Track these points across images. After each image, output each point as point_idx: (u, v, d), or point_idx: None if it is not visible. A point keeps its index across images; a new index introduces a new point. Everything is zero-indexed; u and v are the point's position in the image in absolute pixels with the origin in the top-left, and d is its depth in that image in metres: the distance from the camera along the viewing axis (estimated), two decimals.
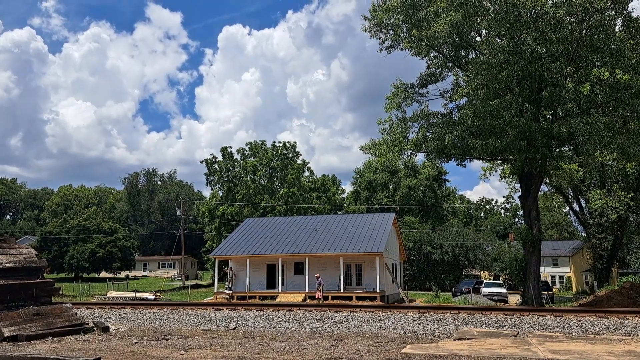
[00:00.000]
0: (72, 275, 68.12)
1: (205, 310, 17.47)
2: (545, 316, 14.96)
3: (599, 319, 14.26)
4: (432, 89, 30.56)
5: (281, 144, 71.85)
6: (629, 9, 23.64)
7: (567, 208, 54.15)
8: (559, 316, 15.04)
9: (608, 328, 12.63)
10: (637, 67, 22.76)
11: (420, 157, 52.15)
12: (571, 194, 46.46)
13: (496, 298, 37.54)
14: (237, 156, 72.18)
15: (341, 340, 11.02)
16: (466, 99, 27.28)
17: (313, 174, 77.91)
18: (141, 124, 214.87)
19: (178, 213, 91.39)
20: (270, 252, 35.63)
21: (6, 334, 10.92)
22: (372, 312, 16.33)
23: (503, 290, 40.84)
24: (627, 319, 14.22)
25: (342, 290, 33.13)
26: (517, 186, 34.25)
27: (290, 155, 72.26)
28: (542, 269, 33.81)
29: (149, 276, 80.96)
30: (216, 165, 71.87)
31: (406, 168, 74.77)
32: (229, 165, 71.66)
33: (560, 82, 23.68)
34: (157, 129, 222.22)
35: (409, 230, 62.40)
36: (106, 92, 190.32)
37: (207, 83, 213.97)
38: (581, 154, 26.57)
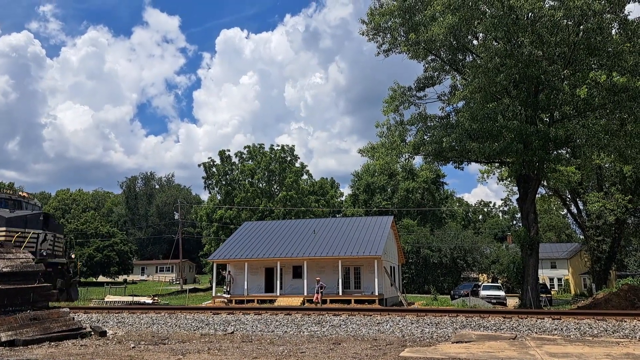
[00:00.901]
0: None
1: (203, 314, 17.43)
2: (544, 319, 14.96)
3: (597, 321, 14.25)
4: (430, 92, 30.63)
5: (279, 147, 71.83)
6: (626, 12, 23.75)
7: (565, 210, 54.27)
8: (557, 319, 15.03)
9: (606, 331, 12.63)
10: (634, 69, 22.82)
11: (418, 160, 52.12)
12: (569, 196, 46.53)
13: (494, 301, 37.54)
14: (235, 160, 72.18)
15: (339, 344, 11.00)
16: (463, 102, 27.33)
17: (311, 177, 77.91)
18: (139, 127, 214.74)
19: (176, 217, 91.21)
20: (268, 256, 35.58)
21: (3, 339, 10.88)
22: (371, 315, 16.30)
23: (501, 293, 40.87)
24: (625, 321, 14.21)
25: (340, 293, 33.06)
26: (515, 189, 34.33)
27: (289, 158, 72.22)
28: (540, 271, 33.86)
29: (147, 280, 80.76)
30: (214, 169, 71.81)
31: (404, 171, 74.78)
32: (226, 168, 71.61)
33: (557, 85, 23.74)
34: (155, 132, 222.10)
35: (407, 233, 62.41)
36: (104, 96, 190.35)
37: (205, 87, 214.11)
38: (578, 157, 26.60)
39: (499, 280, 57.59)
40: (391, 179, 77.19)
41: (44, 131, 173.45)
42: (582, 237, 52.83)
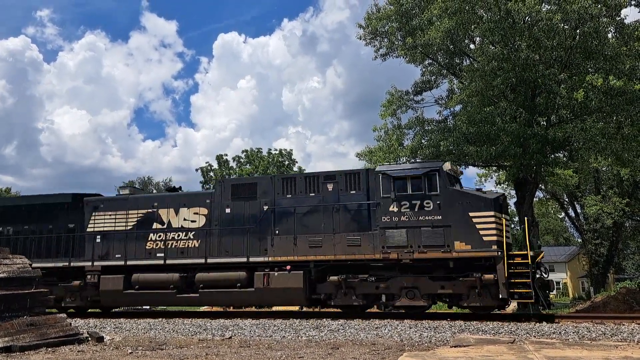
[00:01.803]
0: None
1: (200, 320, 17.38)
2: (542, 322, 14.94)
3: (596, 325, 14.24)
4: (427, 96, 30.76)
5: (277, 152, 71.78)
6: (622, 16, 23.86)
7: (563, 214, 54.32)
8: (556, 322, 15.02)
9: (604, 334, 12.62)
10: (631, 73, 22.90)
11: None
12: (566, 200, 46.59)
13: None
14: (232, 164, 72.06)
15: (337, 349, 10.97)
16: (461, 105, 27.39)
17: None
18: (136, 132, 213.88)
19: None
20: None
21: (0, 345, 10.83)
22: (369, 319, 16.27)
23: None
24: (623, 324, 14.21)
25: None
26: (513, 192, 34.31)
27: (287, 162, 72.12)
28: None
29: None
30: (212, 173, 71.68)
31: None
32: (224, 173, 71.50)
33: (555, 89, 23.80)
34: (153, 137, 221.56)
35: None
36: (101, 100, 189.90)
37: (202, 91, 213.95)
38: (576, 160, 26.66)
39: None
40: None
41: (41, 136, 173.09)
42: (580, 240, 52.87)
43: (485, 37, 24.63)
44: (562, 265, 67.85)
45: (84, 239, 20.22)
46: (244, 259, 18.20)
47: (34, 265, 14.23)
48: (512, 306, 36.27)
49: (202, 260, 18.67)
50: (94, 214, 20.45)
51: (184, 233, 19.29)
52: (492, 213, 16.22)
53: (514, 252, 16.52)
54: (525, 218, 18.86)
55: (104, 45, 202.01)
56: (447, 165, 17.42)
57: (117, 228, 20.01)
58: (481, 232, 16.14)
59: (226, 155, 73.00)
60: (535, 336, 12.55)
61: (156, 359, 9.95)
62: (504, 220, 16.70)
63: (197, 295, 18.58)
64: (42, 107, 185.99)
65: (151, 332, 14.79)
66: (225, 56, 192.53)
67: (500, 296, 15.89)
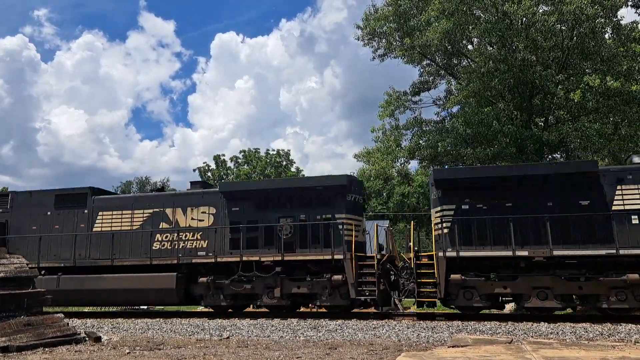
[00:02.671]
0: None
1: (198, 320, 17.36)
2: (540, 323, 14.97)
3: (593, 325, 14.28)
4: (425, 97, 30.81)
5: (275, 152, 71.74)
6: (619, 17, 23.94)
7: None
8: (553, 322, 15.04)
9: (602, 334, 12.66)
10: (628, 73, 22.98)
11: (413, 165, 52.03)
12: None
13: None
14: (230, 164, 71.98)
15: (335, 349, 10.98)
16: (458, 106, 27.44)
17: None
18: (134, 132, 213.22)
19: None
20: None
21: None
22: (367, 320, 16.27)
23: None
24: (620, 325, 14.26)
25: None
26: None
27: (284, 163, 72.09)
28: None
29: None
30: (209, 174, 71.60)
31: (399, 175, 74.80)
32: (222, 173, 71.41)
33: (552, 90, 23.87)
34: (150, 137, 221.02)
35: (402, 237, 62.34)
36: (99, 100, 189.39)
37: (200, 91, 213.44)
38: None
39: None
40: (387, 184, 77.15)
41: (38, 135, 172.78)
42: None
43: (482, 37, 24.70)
44: None
45: None
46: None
47: None
48: (510, 306, 36.22)
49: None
50: None
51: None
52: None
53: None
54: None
55: (101, 45, 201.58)
56: None
57: None
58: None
59: (223, 155, 73.06)
60: (532, 336, 12.58)
61: (154, 359, 9.94)
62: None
63: None
64: (40, 107, 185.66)
65: (149, 332, 14.77)
66: (223, 56, 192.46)
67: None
